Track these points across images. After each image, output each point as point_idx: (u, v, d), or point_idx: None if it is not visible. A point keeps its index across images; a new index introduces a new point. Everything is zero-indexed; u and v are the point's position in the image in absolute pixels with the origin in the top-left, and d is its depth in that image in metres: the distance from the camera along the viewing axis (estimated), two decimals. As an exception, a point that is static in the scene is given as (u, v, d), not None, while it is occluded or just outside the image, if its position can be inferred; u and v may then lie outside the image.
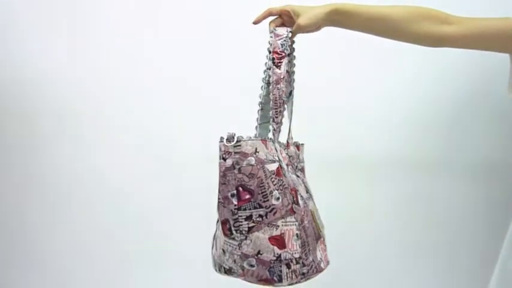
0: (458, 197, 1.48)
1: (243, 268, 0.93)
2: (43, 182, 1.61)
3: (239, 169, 0.91)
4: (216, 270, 0.99)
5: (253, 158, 0.91)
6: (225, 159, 0.91)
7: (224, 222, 0.93)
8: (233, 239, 0.93)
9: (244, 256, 0.92)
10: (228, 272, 0.95)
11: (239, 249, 0.92)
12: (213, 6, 1.49)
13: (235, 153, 0.91)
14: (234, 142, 0.91)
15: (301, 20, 1.00)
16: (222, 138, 0.92)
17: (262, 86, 1.01)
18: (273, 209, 0.93)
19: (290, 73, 1.04)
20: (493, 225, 1.34)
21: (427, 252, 1.51)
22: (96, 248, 1.61)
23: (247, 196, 0.92)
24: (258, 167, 0.91)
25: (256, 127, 1.06)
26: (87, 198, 1.60)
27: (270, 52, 0.98)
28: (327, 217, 1.08)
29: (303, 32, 1.03)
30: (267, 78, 0.99)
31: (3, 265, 1.67)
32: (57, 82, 1.57)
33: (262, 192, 0.92)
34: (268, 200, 0.92)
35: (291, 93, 1.05)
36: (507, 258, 1.08)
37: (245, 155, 0.91)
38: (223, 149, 0.91)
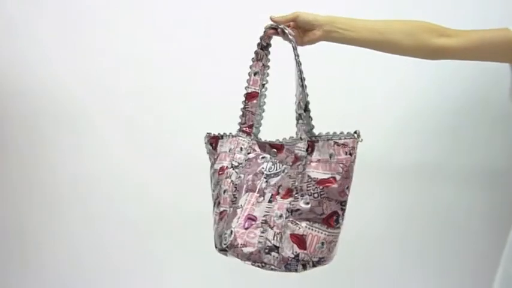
0: (460, 202, 1.50)
1: (332, 252, 0.97)
2: (42, 187, 1.61)
3: (354, 161, 0.95)
4: (297, 270, 0.97)
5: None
6: (351, 155, 0.94)
7: (331, 216, 0.95)
8: (338, 228, 0.96)
9: (336, 242, 0.98)
10: (317, 263, 0.96)
11: (339, 235, 0.97)
12: (212, 4, 1.50)
13: (355, 147, 0.95)
14: (360, 138, 0.95)
15: (300, 11, 1.05)
16: (351, 133, 0.94)
17: (299, 83, 1.02)
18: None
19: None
20: (495, 230, 1.35)
21: (430, 256, 1.53)
22: (96, 252, 1.61)
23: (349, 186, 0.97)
24: None
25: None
26: (86, 203, 1.60)
27: (294, 49, 1.01)
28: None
29: (296, 21, 1.05)
30: (300, 75, 1.01)
31: (1, 269, 1.66)
32: (56, 86, 1.56)
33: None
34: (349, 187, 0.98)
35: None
36: (508, 262, 1.09)
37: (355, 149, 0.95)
38: (351, 145, 0.94)
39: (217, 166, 1.10)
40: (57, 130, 1.58)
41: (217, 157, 1.11)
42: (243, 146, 1.09)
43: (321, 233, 0.96)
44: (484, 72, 1.40)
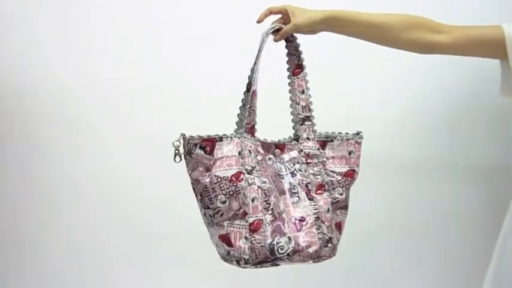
0: (457, 199, 1.53)
1: None
2: (41, 187, 1.60)
3: None
4: (332, 256, 1.07)
5: None
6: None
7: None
8: None
9: None
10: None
11: None
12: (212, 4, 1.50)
13: None
14: None
15: (297, 20, 1.04)
16: (359, 134, 1.13)
17: (305, 87, 1.11)
18: None
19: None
20: (491, 226, 1.36)
21: (426, 254, 1.55)
22: (95, 252, 1.61)
23: None
24: None
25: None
26: (85, 203, 1.59)
27: (300, 53, 1.09)
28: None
29: (297, 32, 1.07)
30: (305, 79, 1.11)
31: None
32: (56, 86, 1.55)
33: None
34: None
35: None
36: (500, 257, 1.12)
37: None
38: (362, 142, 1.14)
39: (222, 173, 0.96)
40: (57, 130, 1.57)
41: (216, 162, 0.97)
42: (251, 149, 1.02)
43: (346, 216, 1.12)
44: (480, 70, 1.41)
